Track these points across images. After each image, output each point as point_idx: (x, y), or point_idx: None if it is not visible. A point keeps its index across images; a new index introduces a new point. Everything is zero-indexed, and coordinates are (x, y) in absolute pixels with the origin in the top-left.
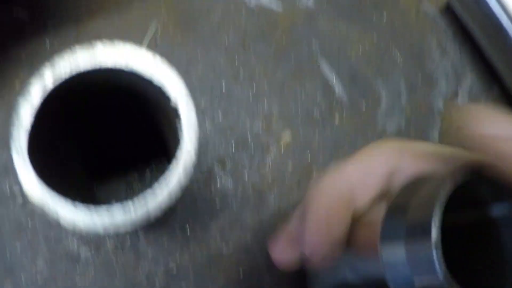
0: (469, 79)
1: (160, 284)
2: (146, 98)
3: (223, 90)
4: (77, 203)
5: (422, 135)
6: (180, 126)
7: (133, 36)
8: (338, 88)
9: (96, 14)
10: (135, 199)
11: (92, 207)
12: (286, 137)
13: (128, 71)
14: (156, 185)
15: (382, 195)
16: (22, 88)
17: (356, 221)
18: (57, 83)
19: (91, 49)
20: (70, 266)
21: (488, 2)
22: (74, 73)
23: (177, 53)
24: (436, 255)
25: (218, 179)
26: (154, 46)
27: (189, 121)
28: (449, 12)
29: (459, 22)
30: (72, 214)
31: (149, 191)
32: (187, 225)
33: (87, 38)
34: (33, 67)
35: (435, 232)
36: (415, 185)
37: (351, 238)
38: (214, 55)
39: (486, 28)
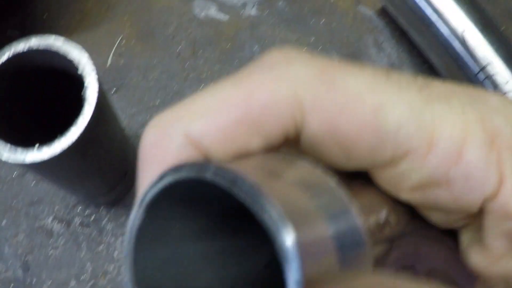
0: (406, 73)
1: (118, 253)
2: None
3: (175, 90)
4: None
5: None
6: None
7: (103, 48)
8: None
9: (73, 33)
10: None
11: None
12: None
13: (49, 50)
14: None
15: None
16: None
17: None
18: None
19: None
20: (45, 239)
21: (418, 3)
22: (12, 55)
23: (137, 60)
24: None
25: None
26: (119, 55)
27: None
28: (384, 13)
29: (395, 23)
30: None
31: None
32: None
33: None
34: None
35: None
36: None
37: None
38: (168, 61)
39: (418, 26)
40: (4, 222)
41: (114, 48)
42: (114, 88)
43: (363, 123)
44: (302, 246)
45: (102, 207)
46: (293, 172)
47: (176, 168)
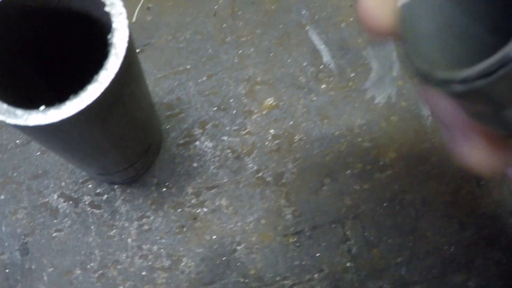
0: None
1: (132, 241)
2: (87, 18)
3: (209, 54)
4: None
5: (413, 109)
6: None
7: (128, 1)
8: (326, 57)
9: None
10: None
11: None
12: (269, 102)
13: None
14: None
15: None
16: None
17: None
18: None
19: None
20: (48, 219)
21: None
22: None
23: (167, 17)
24: None
25: (197, 140)
26: (146, 10)
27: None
28: None
29: None
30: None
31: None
32: (163, 184)
33: None
34: None
35: None
36: None
37: None
38: (203, 20)
39: None
40: (2, 196)
41: (142, 1)
42: (139, 48)
43: None
44: None
45: (116, 186)
46: None
47: None
